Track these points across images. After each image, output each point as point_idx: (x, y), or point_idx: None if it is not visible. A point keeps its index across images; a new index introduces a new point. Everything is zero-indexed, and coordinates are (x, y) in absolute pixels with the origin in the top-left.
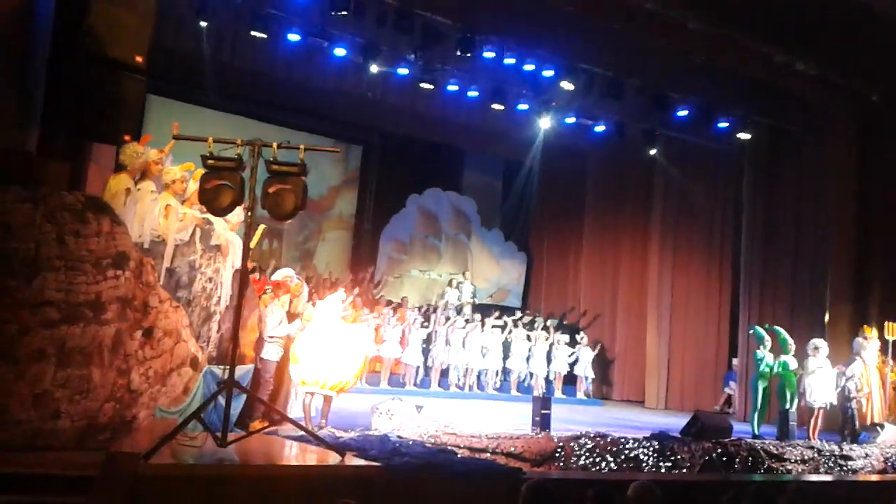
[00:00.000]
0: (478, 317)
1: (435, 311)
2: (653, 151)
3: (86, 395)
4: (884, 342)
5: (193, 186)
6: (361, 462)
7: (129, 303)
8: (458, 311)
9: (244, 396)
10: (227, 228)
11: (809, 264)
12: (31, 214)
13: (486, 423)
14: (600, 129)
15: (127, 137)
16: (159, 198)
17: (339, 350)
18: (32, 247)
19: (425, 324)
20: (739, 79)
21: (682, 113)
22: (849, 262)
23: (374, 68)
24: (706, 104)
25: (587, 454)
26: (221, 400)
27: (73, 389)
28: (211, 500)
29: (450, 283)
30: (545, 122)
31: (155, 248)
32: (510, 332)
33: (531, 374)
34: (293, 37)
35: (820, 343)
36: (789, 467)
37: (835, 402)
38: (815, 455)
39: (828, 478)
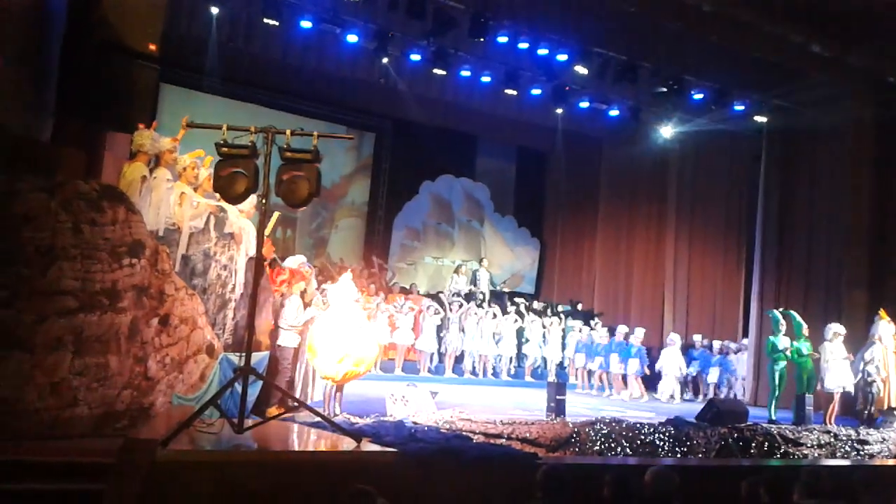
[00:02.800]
0: (496, 307)
1: (447, 297)
2: (668, 135)
3: (103, 383)
4: None
5: (204, 174)
6: (377, 448)
7: (145, 291)
8: (469, 298)
9: (260, 383)
10: (241, 216)
11: (825, 248)
12: (47, 203)
13: (501, 409)
14: (615, 113)
15: (141, 125)
16: (174, 185)
17: (355, 343)
18: (48, 236)
19: (439, 310)
20: (755, 61)
21: (698, 96)
22: (864, 246)
23: (386, 55)
24: (722, 87)
25: (602, 440)
26: (238, 387)
27: (91, 377)
28: (228, 486)
29: (456, 270)
30: (559, 108)
31: (169, 235)
32: (523, 317)
33: (545, 361)
34: (305, 24)
35: (837, 328)
36: (805, 452)
37: (851, 387)
38: (832, 440)
39: (844, 462)
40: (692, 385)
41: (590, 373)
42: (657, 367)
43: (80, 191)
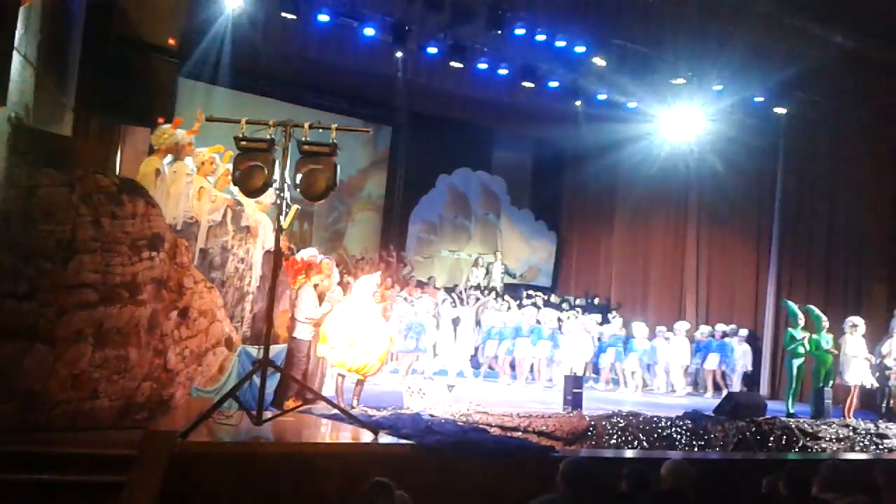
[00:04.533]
0: (509, 300)
1: (462, 291)
2: (686, 127)
3: (123, 375)
4: None
5: (223, 168)
6: (394, 440)
7: (165, 284)
8: (487, 291)
9: (278, 375)
10: (257, 209)
11: (844, 241)
12: (67, 197)
13: (517, 403)
14: (633, 105)
15: (160, 120)
16: (193, 179)
17: (365, 333)
18: (68, 229)
19: (455, 304)
20: (775, 52)
21: (717, 87)
22: (884, 240)
23: (403, 48)
24: (741, 78)
25: (619, 433)
26: (256, 379)
27: (111, 370)
28: (247, 477)
29: (475, 264)
30: (576, 100)
31: (187, 229)
32: (539, 310)
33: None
34: (323, 17)
35: (857, 321)
36: (824, 446)
37: (870, 381)
38: (851, 433)
39: (863, 456)
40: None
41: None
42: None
43: (99, 184)
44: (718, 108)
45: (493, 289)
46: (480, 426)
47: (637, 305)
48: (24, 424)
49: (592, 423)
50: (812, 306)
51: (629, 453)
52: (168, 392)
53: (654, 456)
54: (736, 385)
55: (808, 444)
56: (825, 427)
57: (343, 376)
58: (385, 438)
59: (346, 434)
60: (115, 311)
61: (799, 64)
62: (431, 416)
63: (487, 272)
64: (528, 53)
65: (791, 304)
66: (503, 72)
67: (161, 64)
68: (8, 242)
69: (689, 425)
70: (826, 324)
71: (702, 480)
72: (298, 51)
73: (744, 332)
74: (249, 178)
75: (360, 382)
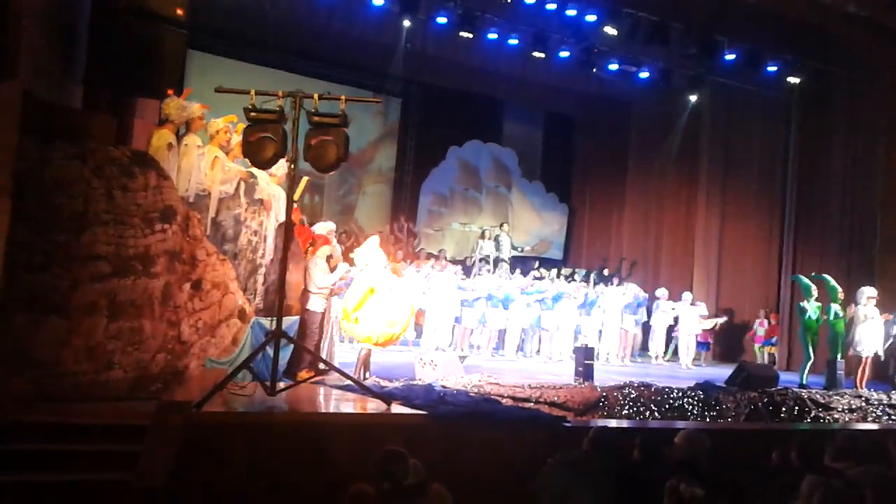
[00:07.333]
0: (517, 272)
1: (473, 263)
2: (699, 98)
3: (138, 347)
4: None
5: (236, 139)
6: (407, 410)
7: (178, 256)
8: (495, 263)
9: (291, 347)
10: (271, 182)
11: (859, 211)
12: (79, 170)
13: (529, 374)
14: (645, 75)
15: (170, 91)
16: (206, 150)
17: (387, 304)
18: (81, 202)
19: (465, 277)
20: (788, 21)
21: (730, 57)
22: None
23: (412, 18)
24: (754, 48)
25: (631, 404)
26: (269, 350)
27: (126, 341)
28: (260, 447)
29: (482, 236)
30: (588, 70)
31: (200, 201)
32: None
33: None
34: None
35: (870, 291)
36: (836, 416)
37: (882, 351)
38: (863, 404)
39: (875, 426)
40: None
41: None
42: None
43: (111, 157)
44: (731, 78)
45: (497, 260)
46: (492, 397)
47: (649, 279)
48: (40, 395)
49: (604, 394)
50: (826, 276)
51: (652, 423)
52: (182, 363)
53: (667, 426)
54: (683, 353)
55: (821, 414)
56: (837, 398)
57: (369, 350)
58: (398, 409)
59: (359, 404)
60: (128, 283)
61: (813, 32)
62: (444, 387)
63: (497, 244)
64: (538, 23)
65: (802, 277)
66: (513, 42)
67: (169, 35)
68: (21, 215)
69: (701, 396)
70: (841, 294)
71: (715, 450)
72: (307, 22)
73: (687, 295)
74: (260, 150)
75: (368, 352)
